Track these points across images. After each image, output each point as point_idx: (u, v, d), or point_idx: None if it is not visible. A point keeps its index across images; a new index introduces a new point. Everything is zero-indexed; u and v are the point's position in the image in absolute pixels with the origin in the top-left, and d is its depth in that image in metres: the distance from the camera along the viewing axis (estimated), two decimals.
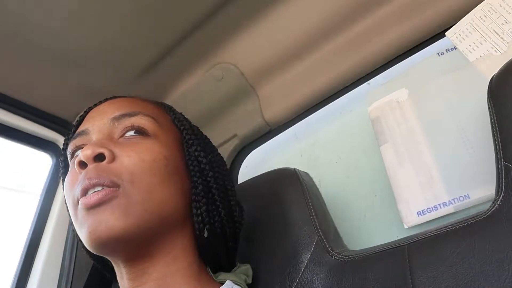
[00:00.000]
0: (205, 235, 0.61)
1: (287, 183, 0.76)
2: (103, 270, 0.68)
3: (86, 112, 0.67)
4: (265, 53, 0.96)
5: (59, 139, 0.99)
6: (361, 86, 0.92)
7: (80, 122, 0.67)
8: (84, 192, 0.54)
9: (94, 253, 0.56)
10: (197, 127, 0.72)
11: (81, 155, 0.55)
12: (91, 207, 0.53)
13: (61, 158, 0.68)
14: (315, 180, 0.84)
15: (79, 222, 0.55)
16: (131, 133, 0.60)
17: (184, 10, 0.85)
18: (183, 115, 0.71)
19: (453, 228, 0.57)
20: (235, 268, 0.66)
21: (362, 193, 0.88)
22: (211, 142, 0.71)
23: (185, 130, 0.66)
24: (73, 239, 0.94)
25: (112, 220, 0.52)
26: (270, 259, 0.70)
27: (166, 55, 0.94)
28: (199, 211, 0.60)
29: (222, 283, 0.59)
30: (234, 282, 0.60)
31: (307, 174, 0.81)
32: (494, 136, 0.58)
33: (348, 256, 0.65)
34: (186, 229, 0.61)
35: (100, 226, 0.52)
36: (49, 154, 0.99)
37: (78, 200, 0.55)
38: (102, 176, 0.54)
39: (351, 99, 0.94)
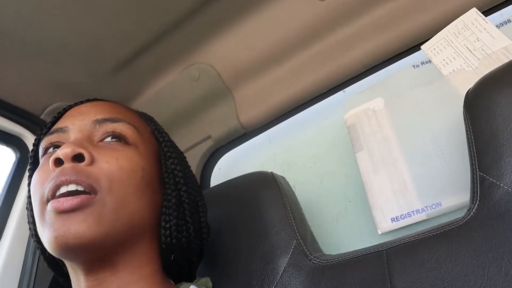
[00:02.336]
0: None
1: (265, 187, 0.76)
2: (56, 276, 0.65)
3: (65, 110, 0.65)
4: (243, 56, 0.96)
5: (25, 134, 0.94)
6: (337, 93, 0.94)
7: (57, 119, 0.64)
8: (56, 189, 0.51)
9: (55, 255, 0.53)
10: (174, 142, 0.71)
11: (59, 152, 0.53)
12: (62, 212, 0.50)
13: (31, 153, 0.65)
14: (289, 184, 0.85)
15: (45, 223, 0.52)
16: (111, 138, 0.59)
17: (164, 7, 0.83)
18: (162, 128, 0.70)
19: (431, 234, 0.59)
20: (195, 280, 0.66)
21: (336, 198, 0.89)
22: (185, 158, 0.70)
23: (164, 142, 0.65)
24: None
25: (82, 228, 0.50)
26: (248, 262, 0.70)
27: (142, 52, 0.92)
28: (168, 225, 0.60)
29: None
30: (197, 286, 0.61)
31: (283, 178, 0.82)
32: (469, 147, 0.61)
33: (326, 260, 0.65)
34: (153, 239, 0.60)
35: (68, 232, 0.49)
36: (12, 149, 0.94)
37: (47, 200, 0.52)
38: (80, 176, 0.52)
39: (326, 106, 0.96)
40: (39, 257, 0.88)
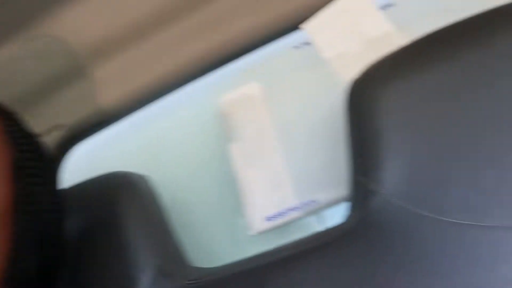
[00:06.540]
0: None
1: (120, 192, 0.63)
2: None
3: None
4: (103, 27, 0.80)
5: None
6: (210, 76, 0.83)
7: None
8: None
9: None
10: (38, 142, 0.52)
11: None
12: None
13: None
14: (155, 182, 0.73)
15: None
16: None
17: None
18: (21, 123, 0.50)
19: (306, 248, 0.52)
20: None
21: (206, 197, 0.81)
22: (55, 166, 0.53)
23: (19, 152, 0.44)
24: None
25: None
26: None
27: None
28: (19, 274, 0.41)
29: None
30: None
31: (142, 177, 0.70)
32: (351, 147, 0.54)
33: (194, 280, 0.56)
34: None
35: None
36: None
37: None
38: None
39: (199, 90, 0.85)
40: None
